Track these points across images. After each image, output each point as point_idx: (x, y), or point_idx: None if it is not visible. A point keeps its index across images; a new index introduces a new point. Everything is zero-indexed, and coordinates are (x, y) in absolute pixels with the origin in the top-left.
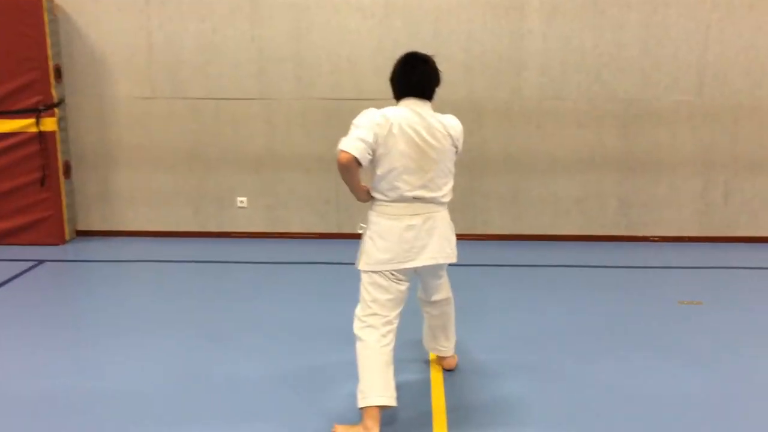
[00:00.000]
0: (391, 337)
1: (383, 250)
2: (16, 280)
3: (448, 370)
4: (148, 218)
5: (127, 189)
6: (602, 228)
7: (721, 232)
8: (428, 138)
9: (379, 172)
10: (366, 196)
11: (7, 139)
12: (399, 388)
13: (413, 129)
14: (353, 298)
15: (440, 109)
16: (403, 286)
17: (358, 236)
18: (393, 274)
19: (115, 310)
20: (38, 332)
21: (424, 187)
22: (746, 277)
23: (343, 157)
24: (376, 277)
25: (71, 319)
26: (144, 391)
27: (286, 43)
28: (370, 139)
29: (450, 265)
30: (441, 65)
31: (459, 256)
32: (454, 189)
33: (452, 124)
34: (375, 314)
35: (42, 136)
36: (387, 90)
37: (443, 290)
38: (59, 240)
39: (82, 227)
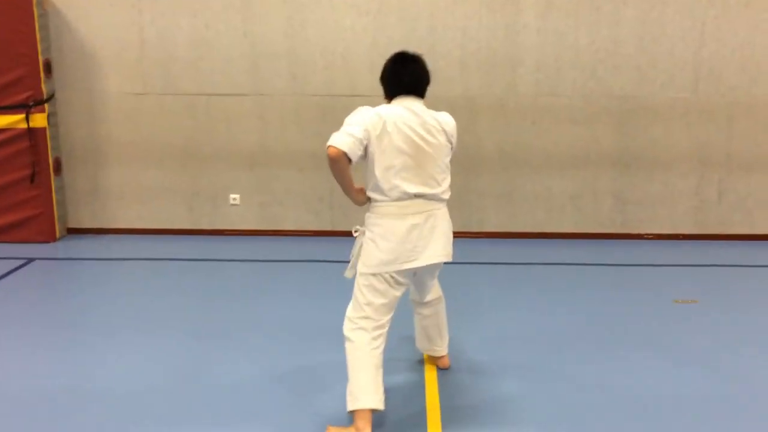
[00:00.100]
0: (381, 340)
1: (386, 251)
2: (5, 279)
3: (442, 369)
4: (140, 216)
5: (119, 186)
6: (597, 225)
7: (716, 229)
8: (424, 134)
9: (377, 171)
10: (362, 197)
11: None
12: (392, 387)
13: (408, 126)
14: (347, 296)
15: (435, 106)
16: (399, 291)
17: (351, 233)
18: (393, 277)
19: (107, 309)
20: (29, 332)
21: (424, 183)
22: (741, 275)
23: (332, 151)
24: (374, 280)
25: (62, 319)
26: (136, 391)
27: (280, 39)
28: (360, 135)
29: (445, 263)
30: (436, 62)
31: (453, 254)
32: (449, 186)
33: (446, 120)
34: (367, 317)
35: (32, 133)
36: (380, 87)
37: (435, 289)
38: (49, 238)
39: (72, 225)
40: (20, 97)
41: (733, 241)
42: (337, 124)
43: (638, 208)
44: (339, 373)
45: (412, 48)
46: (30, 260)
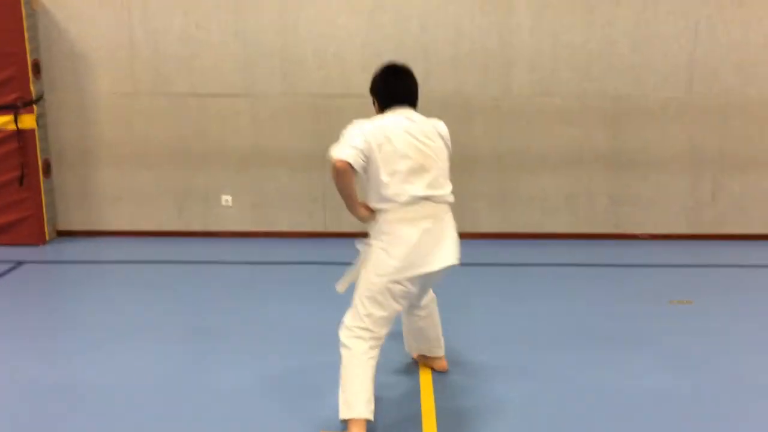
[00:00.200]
0: (377, 351)
1: (400, 258)
2: None
3: (440, 372)
4: (131, 218)
5: (109, 188)
6: (592, 226)
7: (710, 229)
8: (423, 138)
9: (383, 178)
10: (365, 212)
11: None
12: (387, 391)
13: (407, 131)
14: (341, 299)
15: (429, 106)
16: (400, 305)
17: (345, 234)
18: (402, 286)
19: (98, 313)
20: (17, 336)
21: (430, 185)
22: (735, 275)
23: (339, 164)
24: (377, 293)
25: (52, 323)
26: (128, 397)
27: (272, 38)
28: (361, 146)
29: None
30: (429, 61)
31: None
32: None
33: (440, 124)
34: (366, 329)
35: (20, 134)
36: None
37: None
38: (39, 240)
39: (62, 227)
40: (9, 98)
41: (727, 240)
42: (331, 124)
43: (633, 208)
44: (332, 377)
45: (406, 47)
46: (19, 263)
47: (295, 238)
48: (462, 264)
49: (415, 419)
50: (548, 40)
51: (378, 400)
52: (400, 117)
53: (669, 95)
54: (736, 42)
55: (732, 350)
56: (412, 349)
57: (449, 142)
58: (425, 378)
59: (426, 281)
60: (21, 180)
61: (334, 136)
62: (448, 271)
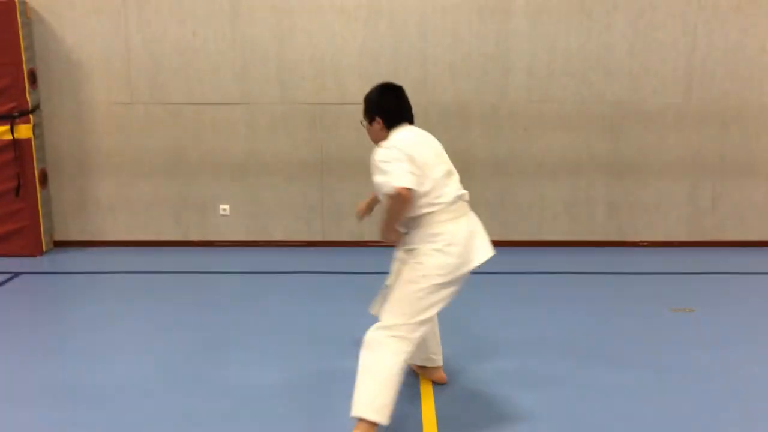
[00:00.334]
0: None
1: (456, 255)
2: None
3: (439, 384)
4: (128, 228)
5: (106, 198)
6: (591, 233)
7: (710, 236)
8: (437, 146)
9: (428, 185)
10: (397, 235)
11: None
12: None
13: (426, 142)
14: (340, 306)
15: (427, 112)
16: (439, 308)
17: (343, 243)
18: (455, 285)
19: (95, 325)
20: (14, 348)
21: (457, 186)
22: (736, 282)
23: (405, 193)
24: (431, 295)
25: (49, 335)
26: (126, 403)
27: (269, 46)
28: (410, 167)
29: None
30: (426, 68)
31: None
32: None
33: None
34: (413, 332)
35: (16, 144)
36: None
37: None
38: (36, 251)
39: (59, 238)
40: (4, 107)
41: (727, 247)
42: (328, 132)
43: (632, 215)
44: (338, 383)
45: (403, 54)
46: (16, 274)
47: (292, 247)
48: None
49: (417, 429)
50: (546, 45)
51: None
52: (410, 132)
53: (667, 101)
54: (734, 47)
55: (736, 360)
56: (414, 359)
57: None
58: (426, 388)
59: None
60: (17, 190)
61: (331, 144)
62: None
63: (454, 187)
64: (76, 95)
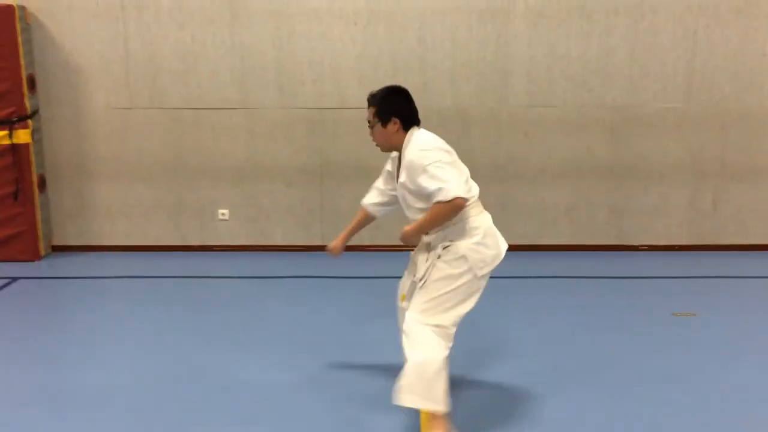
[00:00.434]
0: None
1: (494, 246)
2: None
3: None
4: (127, 232)
5: (105, 202)
6: (591, 237)
7: (711, 240)
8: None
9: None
10: (420, 238)
11: None
12: (383, 413)
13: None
14: (340, 310)
15: (427, 118)
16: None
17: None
18: (487, 278)
19: (93, 330)
20: (12, 353)
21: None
22: (737, 285)
23: (460, 202)
24: (472, 288)
25: (47, 340)
26: (124, 416)
27: (268, 51)
28: (460, 173)
29: None
30: (426, 73)
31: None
32: None
33: None
34: (449, 329)
35: (15, 149)
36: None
37: None
38: (34, 256)
39: (57, 242)
40: (3, 113)
41: (728, 251)
42: (326, 137)
43: (633, 219)
44: (338, 384)
45: (402, 59)
46: (14, 279)
47: (292, 251)
48: None
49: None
50: (546, 50)
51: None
52: (431, 133)
53: (668, 105)
54: (734, 51)
55: (737, 363)
56: None
57: None
58: None
59: None
60: (15, 195)
61: (330, 149)
62: None
63: (473, 184)
64: (75, 100)
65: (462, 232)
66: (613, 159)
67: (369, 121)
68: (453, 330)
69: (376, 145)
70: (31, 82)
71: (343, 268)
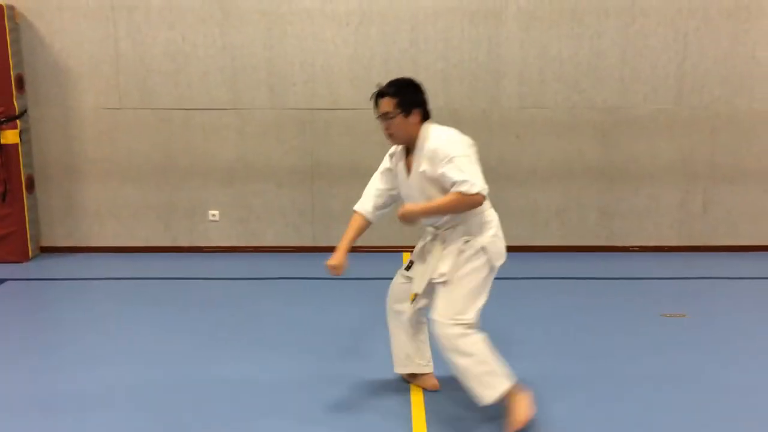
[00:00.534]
0: None
1: (503, 239)
2: None
3: (431, 391)
4: (116, 233)
5: (94, 203)
6: (582, 239)
7: (701, 241)
8: None
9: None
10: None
11: None
12: (376, 412)
13: None
14: (331, 309)
15: None
16: None
17: (333, 249)
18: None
19: (82, 331)
20: (0, 355)
21: None
22: (727, 286)
23: (479, 199)
24: (490, 281)
25: (36, 342)
26: (114, 418)
27: (259, 52)
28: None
29: None
30: (418, 74)
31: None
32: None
33: None
34: (478, 316)
35: (3, 149)
36: (362, 101)
37: None
38: (22, 257)
39: (46, 244)
40: None
41: (718, 252)
42: (317, 138)
43: (623, 221)
44: (335, 383)
45: (394, 60)
46: (2, 281)
47: (282, 252)
48: None
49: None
50: (537, 51)
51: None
52: (448, 127)
53: (658, 107)
54: (724, 53)
55: (727, 363)
56: (409, 367)
57: None
58: (416, 398)
59: None
60: (3, 196)
61: (322, 150)
62: None
63: None
64: (64, 100)
65: (480, 227)
66: (604, 160)
67: (386, 113)
68: (479, 322)
69: (390, 138)
70: (20, 82)
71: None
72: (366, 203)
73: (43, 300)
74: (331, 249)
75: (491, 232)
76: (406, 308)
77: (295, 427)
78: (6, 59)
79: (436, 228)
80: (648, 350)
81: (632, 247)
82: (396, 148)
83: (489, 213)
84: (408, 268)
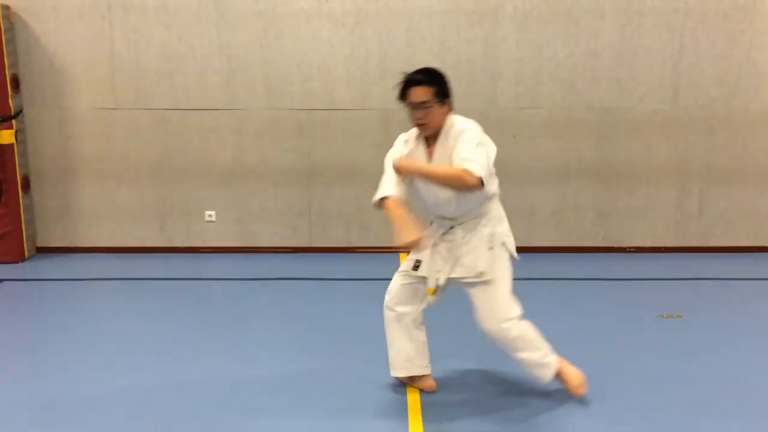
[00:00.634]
0: None
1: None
2: None
3: (427, 392)
4: (112, 234)
5: (90, 203)
6: (579, 239)
7: (697, 242)
8: None
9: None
10: (411, 176)
11: None
12: (373, 413)
13: None
14: (329, 310)
15: None
16: None
17: (331, 249)
18: None
19: (78, 332)
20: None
21: None
22: (723, 287)
23: (476, 183)
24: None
25: (31, 343)
26: (111, 419)
27: (255, 52)
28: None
29: None
30: None
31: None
32: None
33: None
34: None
35: None
36: (359, 100)
37: None
38: (18, 258)
39: (42, 244)
40: None
41: (714, 253)
42: (314, 138)
43: (620, 221)
44: (331, 382)
45: (390, 61)
46: None
47: (279, 253)
48: None
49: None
50: (533, 52)
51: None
52: None
53: (654, 107)
54: (721, 54)
55: (728, 366)
56: (409, 370)
57: None
58: (413, 399)
59: None
60: None
61: (318, 150)
62: None
63: None
64: (59, 100)
65: (498, 220)
66: (601, 161)
67: (424, 102)
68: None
69: (421, 127)
70: (15, 82)
71: (332, 269)
72: (389, 189)
73: (38, 300)
74: (327, 249)
75: (506, 226)
76: (412, 309)
77: (291, 427)
78: (1, 59)
79: (453, 220)
80: (645, 351)
81: (628, 247)
82: (410, 135)
83: (501, 208)
84: (415, 267)
